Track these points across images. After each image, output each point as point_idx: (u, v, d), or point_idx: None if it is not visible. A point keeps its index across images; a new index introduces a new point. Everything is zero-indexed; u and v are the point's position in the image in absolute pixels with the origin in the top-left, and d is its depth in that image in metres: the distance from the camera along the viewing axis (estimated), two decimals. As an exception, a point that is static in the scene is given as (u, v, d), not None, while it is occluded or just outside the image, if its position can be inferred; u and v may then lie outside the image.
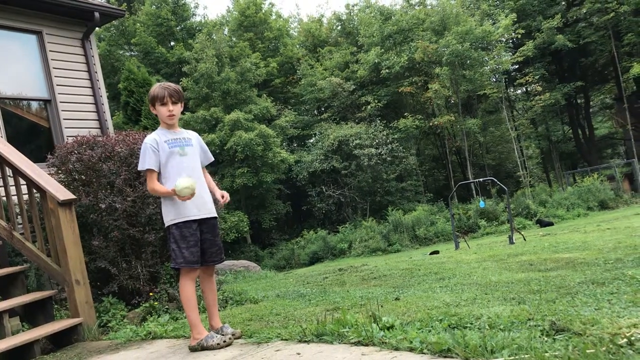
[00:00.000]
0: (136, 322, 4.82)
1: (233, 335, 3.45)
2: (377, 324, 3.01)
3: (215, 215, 3.58)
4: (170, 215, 3.41)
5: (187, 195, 3.26)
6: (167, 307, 5.14)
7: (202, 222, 3.45)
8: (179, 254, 3.34)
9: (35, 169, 4.68)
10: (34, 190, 4.70)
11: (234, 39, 31.87)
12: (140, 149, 4.32)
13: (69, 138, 6.98)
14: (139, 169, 3.49)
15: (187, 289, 3.38)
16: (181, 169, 3.43)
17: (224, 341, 3.27)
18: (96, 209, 5.24)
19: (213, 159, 3.80)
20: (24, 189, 4.85)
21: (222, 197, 3.57)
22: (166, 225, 3.45)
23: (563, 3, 29.46)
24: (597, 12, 26.95)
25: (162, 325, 4.28)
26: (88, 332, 4.35)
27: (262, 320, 4.16)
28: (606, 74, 31.94)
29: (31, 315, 4.50)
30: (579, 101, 33.12)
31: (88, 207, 5.28)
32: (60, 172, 5.57)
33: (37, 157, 5.73)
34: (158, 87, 3.52)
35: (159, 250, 5.54)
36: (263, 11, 32.37)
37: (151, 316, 4.88)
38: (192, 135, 3.65)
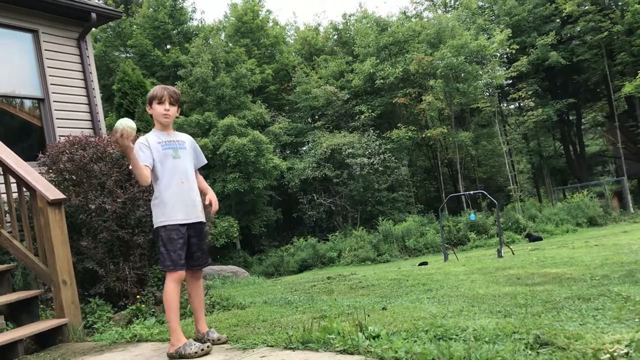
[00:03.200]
0: (122, 324, 4.80)
1: (219, 340, 3.45)
2: (363, 333, 3.02)
3: (204, 220, 3.57)
4: (160, 218, 3.40)
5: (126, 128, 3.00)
6: (153, 310, 5.12)
7: (190, 227, 3.45)
8: (167, 257, 3.33)
9: (26, 167, 4.66)
10: (24, 189, 4.68)
11: (230, 44, 31.91)
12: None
13: (61, 137, 6.96)
14: (140, 184, 3.47)
15: (171, 291, 3.34)
16: (174, 171, 3.42)
17: (202, 349, 3.20)
18: (86, 209, 5.22)
19: (206, 161, 3.80)
20: (14, 187, 4.82)
21: (210, 202, 3.53)
22: (155, 227, 3.44)
23: (558, 20, 29.77)
24: (590, 31, 27.25)
25: (148, 328, 4.26)
26: (73, 333, 4.32)
27: (249, 326, 4.16)
28: (598, 92, 32.26)
29: (16, 314, 4.47)
30: (570, 118, 33.41)
31: (78, 208, 5.26)
32: (51, 171, 5.55)
33: (28, 155, 5.71)
34: (158, 87, 3.57)
35: (147, 253, 5.52)
36: (260, 18, 32.46)
37: (137, 319, 4.86)
38: (185, 138, 3.65)
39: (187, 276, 3.53)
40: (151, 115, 3.61)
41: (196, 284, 3.61)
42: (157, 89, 3.54)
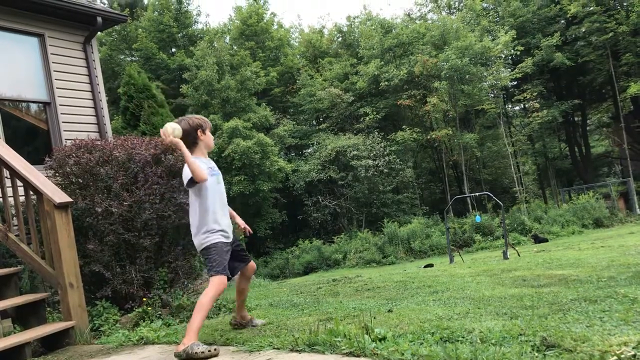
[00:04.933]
0: (129, 327, 4.81)
1: (263, 324, 4.12)
2: (370, 335, 3.02)
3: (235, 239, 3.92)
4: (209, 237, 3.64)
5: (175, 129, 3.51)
6: (160, 312, 5.13)
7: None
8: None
9: (33, 171, 4.69)
10: (31, 192, 4.70)
11: (235, 47, 31.98)
12: (138, 154, 4.42)
13: (67, 141, 7.00)
14: (190, 182, 3.57)
15: (215, 296, 3.57)
16: (217, 195, 3.70)
17: (209, 350, 3.25)
18: (92, 212, 5.24)
19: None
20: (21, 190, 4.85)
21: (244, 228, 4.10)
22: (215, 241, 3.61)
23: (562, 21, 29.70)
24: (596, 32, 27.17)
25: (154, 331, 4.28)
26: (80, 335, 4.34)
27: (255, 328, 4.16)
28: (604, 92, 32.14)
29: (23, 317, 4.49)
30: (576, 119, 33.30)
31: (84, 211, 5.28)
32: (57, 174, 5.58)
33: (34, 159, 5.74)
34: (201, 117, 3.81)
35: (153, 256, 5.54)
36: (265, 21, 32.52)
37: (144, 321, 4.87)
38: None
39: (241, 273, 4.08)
40: (197, 139, 3.71)
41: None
42: (201, 118, 3.79)
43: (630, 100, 28.69)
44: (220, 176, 3.79)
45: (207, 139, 3.75)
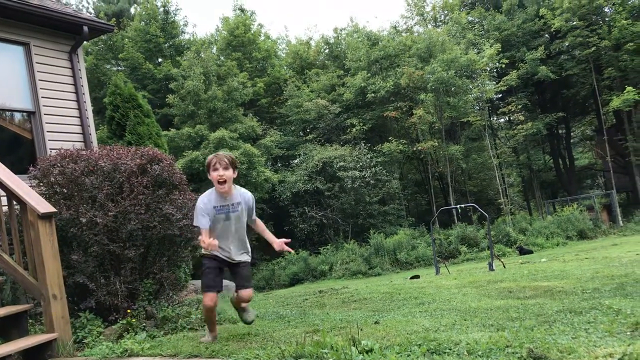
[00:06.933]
0: (113, 339, 4.75)
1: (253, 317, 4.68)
2: (357, 347, 3.01)
3: (239, 260, 4.39)
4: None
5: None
6: (144, 324, 5.07)
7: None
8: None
9: (16, 180, 4.63)
10: (14, 202, 4.64)
11: (222, 57, 31.99)
12: (124, 164, 4.42)
13: (52, 151, 6.93)
14: (194, 224, 4.16)
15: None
16: (224, 231, 4.16)
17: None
18: (77, 223, 5.18)
19: (255, 218, 4.52)
20: (4, 200, 4.78)
21: (279, 245, 4.41)
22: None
23: (546, 35, 30.14)
24: (579, 46, 27.61)
25: (139, 343, 4.22)
26: (63, 348, 4.27)
27: (241, 340, 4.13)
28: (587, 106, 32.61)
29: (5, 329, 4.41)
30: (560, 131, 33.72)
31: (68, 221, 5.21)
32: (41, 184, 5.51)
33: (18, 168, 5.66)
34: (211, 156, 4.08)
35: (138, 267, 5.48)
36: (252, 32, 32.57)
37: (128, 333, 4.80)
38: (242, 198, 4.22)
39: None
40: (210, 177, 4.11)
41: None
42: (209, 158, 4.07)
43: (613, 114, 29.12)
44: (232, 214, 4.15)
45: (212, 179, 4.04)
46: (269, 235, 4.52)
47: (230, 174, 4.04)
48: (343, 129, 29.57)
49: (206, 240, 3.88)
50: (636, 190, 28.64)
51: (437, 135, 28.20)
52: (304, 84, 31.99)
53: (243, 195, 4.24)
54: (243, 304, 4.50)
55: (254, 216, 4.45)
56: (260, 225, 4.55)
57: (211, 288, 4.15)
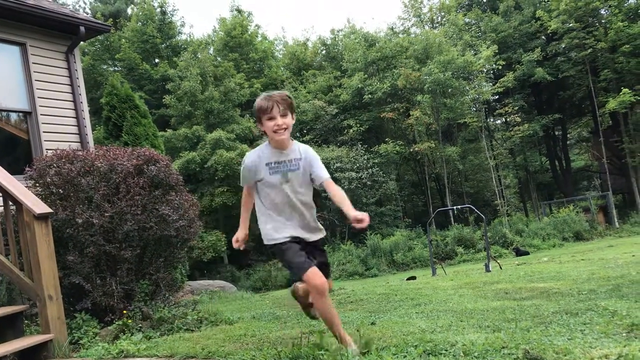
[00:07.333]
0: (108, 340, 4.73)
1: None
2: (353, 348, 3.00)
3: (316, 239, 3.50)
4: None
5: None
6: (140, 325, 5.06)
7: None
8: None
9: (12, 180, 4.61)
10: (10, 203, 4.63)
11: (219, 58, 31.97)
12: (120, 165, 4.33)
13: (48, 151, 6.91)
14: (240, 184, 3.36)
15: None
16: (284, 200, 3.19)
17: None
18: (73, 223, 5.17)
19: (324, 176, 3.17)
20: None
21: (358, 221, 2.99)
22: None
23: (543, 37, 30.21)
24: (575, 48, 27.68)
25: (135, 344, 4.22)
26: (58, 349, 4.25)
27: (237, 341, 4.12)
28: (583, 107, 32.70)
29: (0, 330, 4.39)
30: (556, 133, 33.80)
31: (64, 222, 5.20)
32: (37, 185, 5.50)
33: (14, 169, 5.65)
34: (262, 98, 3.09)
35: (134, 268, 5.47)
36: (249, 33, 32.57)
37: (124, 334, 4.79)
38: (303, 153, 3.19)
39: None
40: (264, 132, 3.17)
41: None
42: (260, 102, 3.07)
43: (609, 115, 29.21)
44: (291, 173, 3.14)
45: (265, 128, 3.09)
46: (347, 206, 3.08)
47: (289, 121, 3.08)
48: (340, 130, 29.59)
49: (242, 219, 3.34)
50: (632, 191, 28.73)
51: (434, 136, 28.25)
52: (301, 85, 32.01)
53: (304, 151, 3.19)
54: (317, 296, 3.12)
55: (326, 175, 3.16)
56: (335, 191, 3.12)
57: (308, 263, 3.08)
